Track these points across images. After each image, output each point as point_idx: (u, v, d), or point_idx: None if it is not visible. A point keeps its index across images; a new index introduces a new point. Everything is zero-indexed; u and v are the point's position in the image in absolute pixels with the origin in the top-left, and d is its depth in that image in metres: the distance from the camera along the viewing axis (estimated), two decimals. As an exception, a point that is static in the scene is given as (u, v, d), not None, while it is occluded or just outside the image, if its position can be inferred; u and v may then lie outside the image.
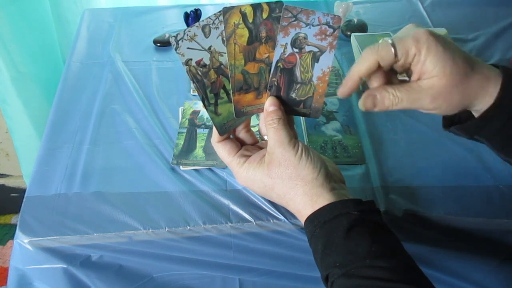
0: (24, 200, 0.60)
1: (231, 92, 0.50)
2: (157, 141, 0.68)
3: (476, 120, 0.44)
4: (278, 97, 0.50)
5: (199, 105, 0.74)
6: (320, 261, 0.45)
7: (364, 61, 0.44)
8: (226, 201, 0.60)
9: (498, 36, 0.92)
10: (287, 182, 0.49)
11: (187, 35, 0.47)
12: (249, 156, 0.52)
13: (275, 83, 0.49)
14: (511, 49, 0.88)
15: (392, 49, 0.42)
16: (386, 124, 0.72)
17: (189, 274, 0.64)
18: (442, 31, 0.88)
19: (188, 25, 0.91)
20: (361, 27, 0.91)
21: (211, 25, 0.47)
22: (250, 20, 0.46)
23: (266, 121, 0.49)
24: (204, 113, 0.73)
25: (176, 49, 0.47)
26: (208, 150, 0.66)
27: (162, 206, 0.59)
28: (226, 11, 0.45)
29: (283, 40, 0.47)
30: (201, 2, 1.11)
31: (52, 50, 1.16)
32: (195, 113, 0.73)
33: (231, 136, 0.55)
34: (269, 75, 0.49)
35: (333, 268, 0.43)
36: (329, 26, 0.47)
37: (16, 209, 1.46)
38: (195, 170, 0.64)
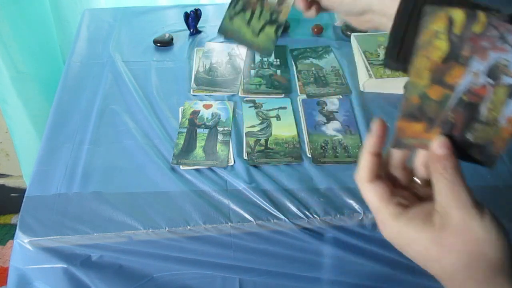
0: (24, 200, 0.60)
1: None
2: (157, 141, 0.68)
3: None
4: (449, 136, 0.40)
5: (199, 105, 0.74)
6: None
7: None
8: (226, 201, 0.60)
9: (498, 36, 0.92)
10: (464, 260, 0.37)
11: None
12: (406, 206, 0.40)
13: (451, 118, 0.39)
14: (511, 49, 0.88)
15: None
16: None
17: (189, 274, 0.64)
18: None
19: (188, 25, 0.91)
20: (361, 27, 0.91)
21: None
22: (458, 32, 0.36)
23: (435, 167, 0.39)
24: (204, 113, 0.73)
25: None
26: (208, 150, 0.66)
27: (162, 206, 0.59)
28: (430, 11, 0.36)
29: (477, 66, 0.37)
30: (201, 2, 1.11)
31: (52, 50, 1.16)
32: (195, 113, 0.73)
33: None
34: None
35: None
36: None
37: (16, 209, 1.46)
38: (196, 169, 0.64)
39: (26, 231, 0.56)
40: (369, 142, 0.40)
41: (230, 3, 0.56)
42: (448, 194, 0.37)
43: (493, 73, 0.37)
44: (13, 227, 1.50)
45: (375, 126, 0.40)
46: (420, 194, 0.42)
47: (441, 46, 0.36)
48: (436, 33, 0.36)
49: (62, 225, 0.57)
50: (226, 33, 0.58)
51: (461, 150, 0.40)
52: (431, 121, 0.39)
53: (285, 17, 0.60)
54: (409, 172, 0.43)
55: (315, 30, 0.92)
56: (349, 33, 0.90)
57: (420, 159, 0.42)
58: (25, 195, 0.61)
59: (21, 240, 0.56)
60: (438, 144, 0.39)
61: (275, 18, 0.60)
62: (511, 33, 0.35)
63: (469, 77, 0.37)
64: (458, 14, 0.35)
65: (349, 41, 0.88)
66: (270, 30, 0.60)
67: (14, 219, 1.54)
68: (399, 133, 0.40)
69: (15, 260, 0.58)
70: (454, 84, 0.38)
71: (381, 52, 0.81)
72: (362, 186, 0.41)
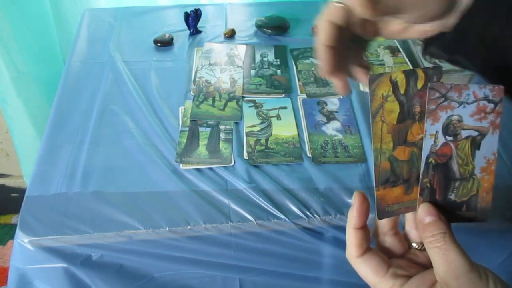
0: (24, 199, 0.60)
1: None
2: (157, 141, 0.68)
3: (453, 32, 0.38)
4: (433, 202, 0.39)
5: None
6: None
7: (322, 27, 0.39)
8: (226, 201, 0.60)
9: (498, 36, 0.92)
10: None
11: (209, 67, 0.79)
12: (406, 276, 0.37)
13: (427, 184, 0.39)
14: (511, 49, 0.88)
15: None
16: (386, 124, 0.72)
17: (190, 274, 0.64)
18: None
19: (188, 25, 0.91)
20: (361, 27, 0.91)
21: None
22: (402, 91, 0.37)
23: (425, 237, 0.37)
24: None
25: (197, 71, 0.75)
26: (211, 148, 0.66)
27: (163, 205, 0.59)
28: (373, 79, 0.37)
29: (432, 129, 0.37)
30: (201, 2, 1.11)
31: (52, 50, 1.16)
32: (196, 112, 0.73)
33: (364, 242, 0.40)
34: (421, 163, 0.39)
35: None
36: (489, 101, 0.37)
37: (16, 209, 1.46)
38: (196, 169, 0.64)
39: (26, 230, 0.56)
40: (351, 217, 0.38)
41: (194, 97, 0.74)
42: (443, 264, 0.35)
43: (450, 130, 0.37)
44: (13, 227, 1.50)
45: (354, 199, 0.38)
46: (420, 260, 0.39)
47: (393, 107, 0.37)
48: (384, 97, 0.37)
49: (62, 224, 0.57)
50: (198, 116, 0.71)
51: (450, 213, 0.39)
52: (407, 182, 0.39)
53: (241, 92, 0.75)
54: (403, 238, 0.41)
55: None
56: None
57: (409, 222, 0.40)
58: (25, 195, 0.61)
59: (21, 240, 0.56)
60: (423, 213, 0.37)
61: (233, 95, 0.73)
62: (451, 91, 0.36)
63: (429, 141, 0.38)
64: (398, 75, 0.37)
65: (349, 41, 0.88)
66: (232, 103, 0.73)
67: (14, 219, 1.53)
68: (381, 202, 0.39)
69: (15, 259, 0.58)
70: (417, 141, 0.38)
71: (381, 52, 0.81)
72: (353, 263, 0.39)
